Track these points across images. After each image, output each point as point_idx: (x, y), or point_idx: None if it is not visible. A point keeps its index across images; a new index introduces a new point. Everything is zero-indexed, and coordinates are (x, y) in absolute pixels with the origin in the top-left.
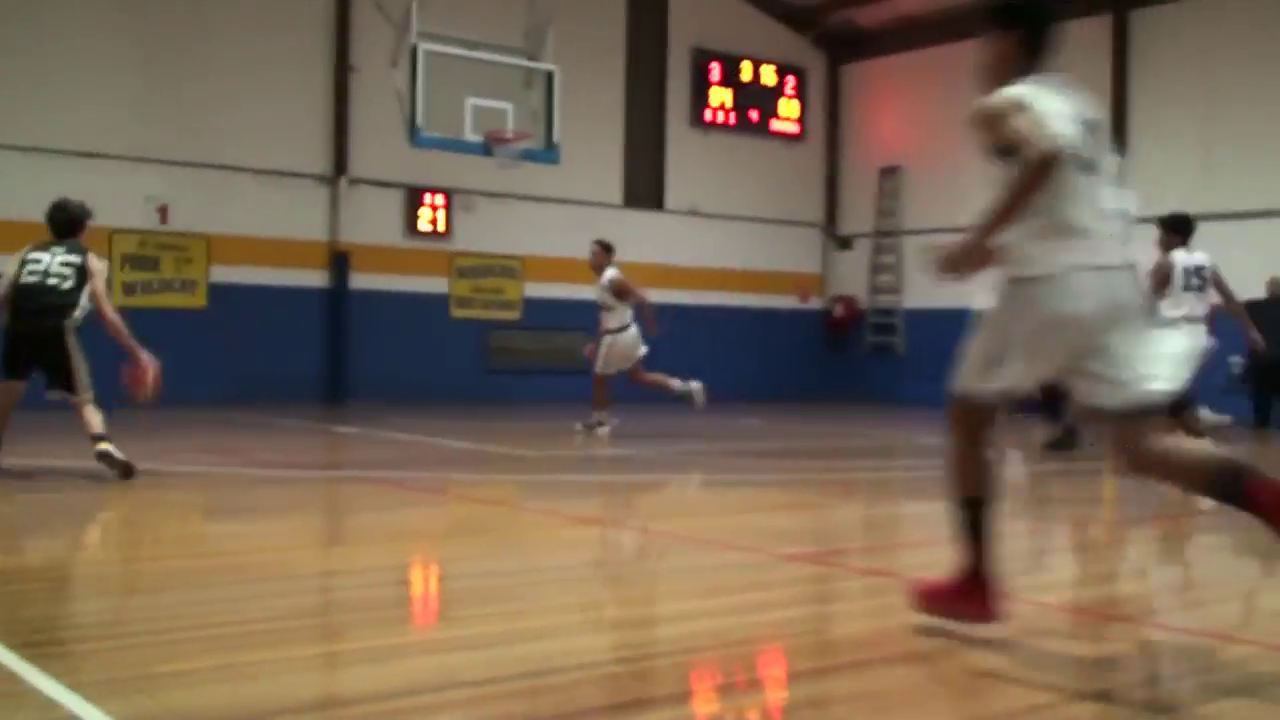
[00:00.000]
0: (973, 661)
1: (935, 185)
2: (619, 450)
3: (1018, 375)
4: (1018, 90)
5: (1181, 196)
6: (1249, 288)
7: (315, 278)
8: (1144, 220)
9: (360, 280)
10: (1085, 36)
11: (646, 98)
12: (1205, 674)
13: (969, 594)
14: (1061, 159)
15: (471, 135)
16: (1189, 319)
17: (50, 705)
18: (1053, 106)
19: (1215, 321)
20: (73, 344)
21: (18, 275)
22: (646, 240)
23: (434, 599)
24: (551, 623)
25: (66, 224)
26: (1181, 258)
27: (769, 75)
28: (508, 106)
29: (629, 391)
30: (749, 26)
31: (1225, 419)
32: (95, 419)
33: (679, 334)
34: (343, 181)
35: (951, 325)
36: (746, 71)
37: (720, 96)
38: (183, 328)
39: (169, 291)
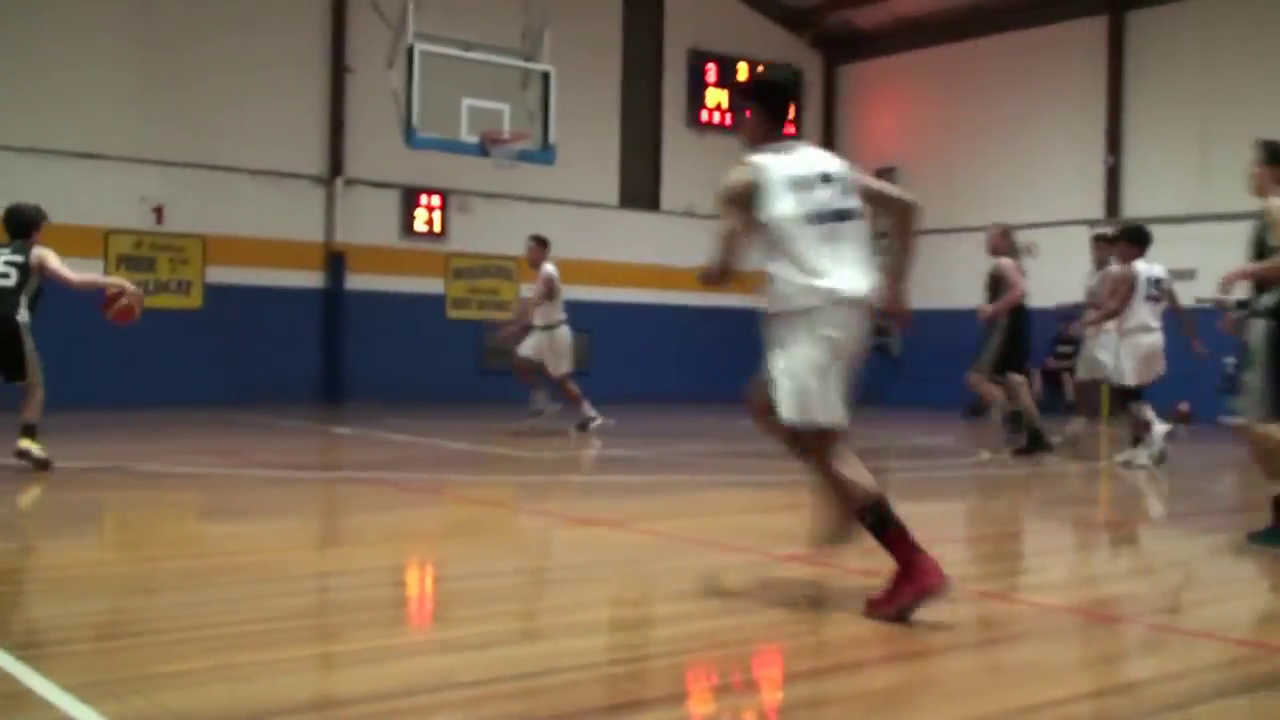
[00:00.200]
0: (971, 662)
1: (931, 186)
2: (616, 451)
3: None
4: (741, 176)
5: (1178, 198)
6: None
7: (311, 278)
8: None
9: (356, 281)
10: (1082, 37)
11: (643, 98)
12: (1205, 674)
13: (912, 577)
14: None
15: (468, 136)
16: (1146, 329)
17: (46, 706)
18: (779, 175)
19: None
20: (26, 338)
21: None
22: (642, 241)
23: (431, 600)
24: (548, 624)
25: (21, 225)
26: (1143, 268)
27: None
28: (504, 107)
29: (624, 393)
30: (745, 27)
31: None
32: (37, 408)
33: (678, 334)
34: (339, 182)
35: (948, 327)
36: (743, 72)
37: (716, 97)
38: (178, 329)
39: (165, 293)
